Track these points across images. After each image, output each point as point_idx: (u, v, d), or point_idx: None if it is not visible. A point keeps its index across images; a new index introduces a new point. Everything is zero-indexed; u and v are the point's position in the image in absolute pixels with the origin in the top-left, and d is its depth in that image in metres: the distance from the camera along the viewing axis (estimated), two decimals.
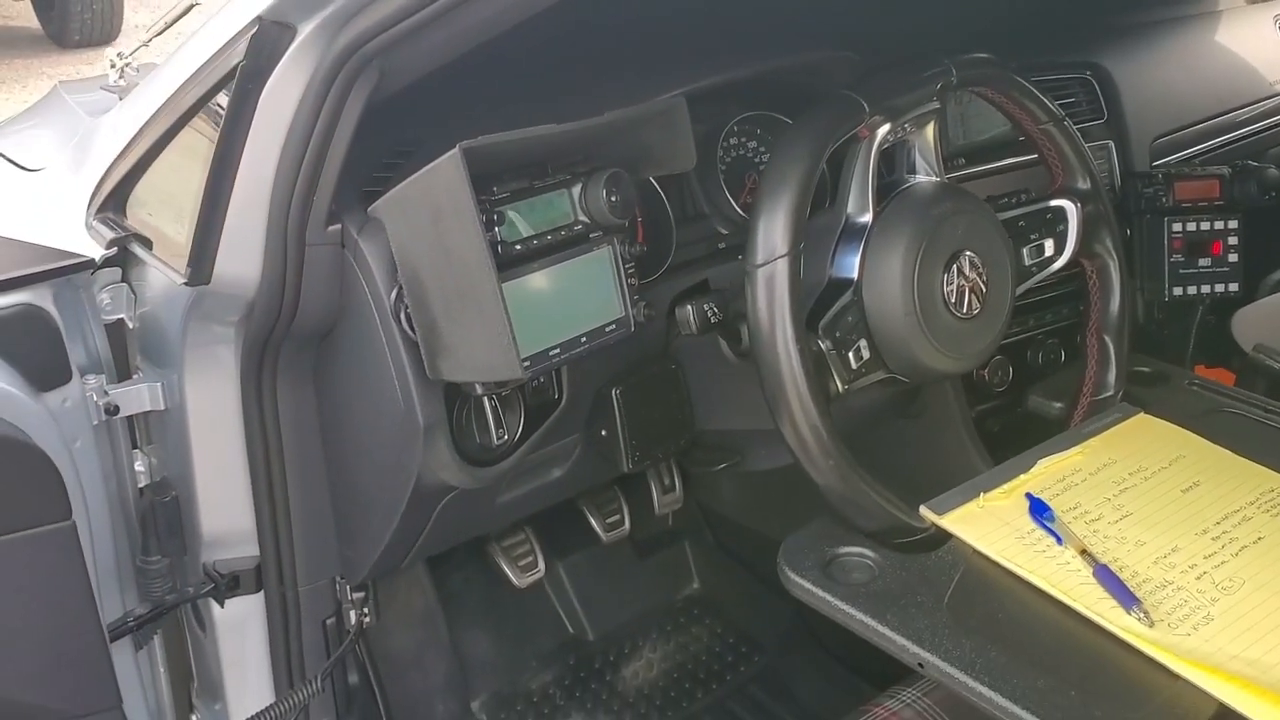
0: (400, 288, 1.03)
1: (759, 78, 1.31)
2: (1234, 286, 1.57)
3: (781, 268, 0.97)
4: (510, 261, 1.02)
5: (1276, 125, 1.83)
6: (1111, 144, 1.60)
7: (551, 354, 1.05)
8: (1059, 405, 1.28)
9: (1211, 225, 1.57)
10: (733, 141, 1.38)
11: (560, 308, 1.07)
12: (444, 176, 0.94)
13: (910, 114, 1.08)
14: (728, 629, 1.86)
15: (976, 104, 1.48)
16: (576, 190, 1.08)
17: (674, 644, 1.83)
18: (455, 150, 0.92)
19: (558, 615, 1.78)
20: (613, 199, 1.08)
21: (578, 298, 1.09)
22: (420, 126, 1.13)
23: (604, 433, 1.23)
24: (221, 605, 1.25)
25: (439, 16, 0.94)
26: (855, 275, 1.07)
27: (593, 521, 1.77)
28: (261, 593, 1.26)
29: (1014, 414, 1.55)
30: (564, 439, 1.25)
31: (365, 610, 1.32)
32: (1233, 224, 1.57)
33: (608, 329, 1.11)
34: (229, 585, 1.24)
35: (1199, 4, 1.80)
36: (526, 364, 1.01)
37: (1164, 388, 1.25)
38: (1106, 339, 1.22)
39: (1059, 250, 1.20)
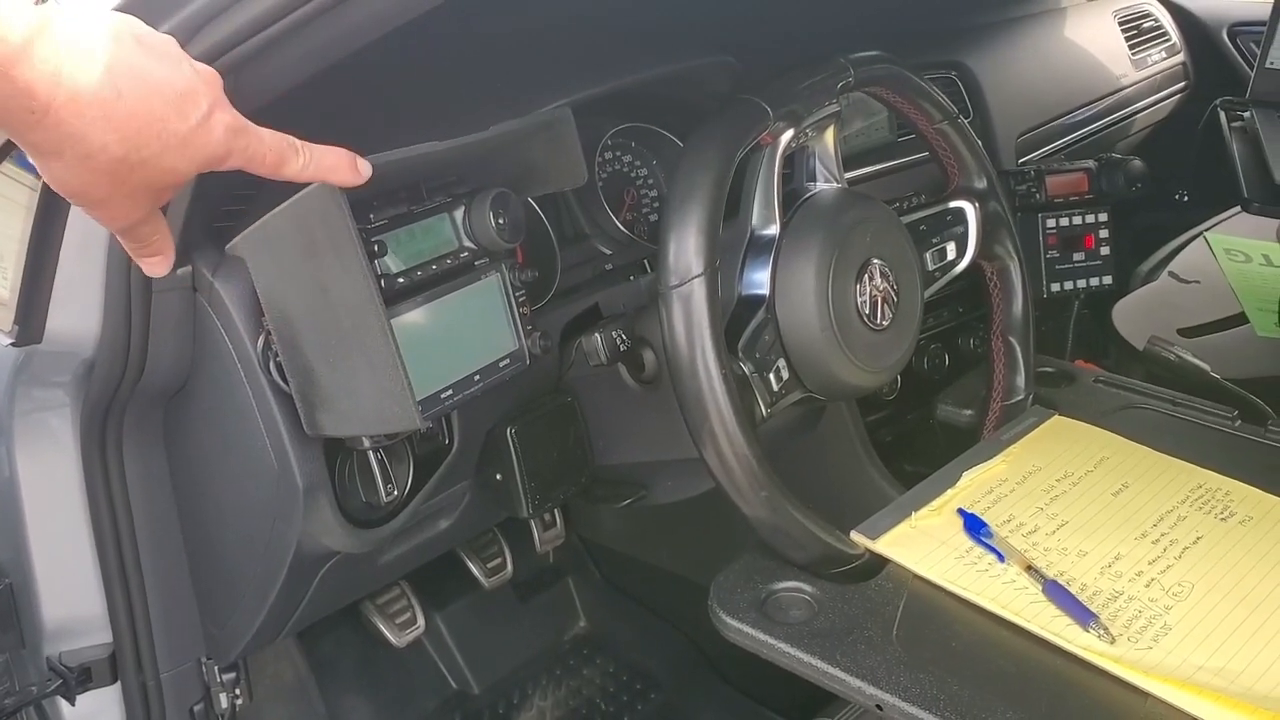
0: (268, 333, 0.90)
1: (637, 88, 1.23)
2: (1108, 279, 1.58)
3: (699, 288, 0.89)
4: (394, 297, 0.91)
5: (1127, 118, 1.86)
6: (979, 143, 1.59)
7: (444, 396, 0.95)
8: (969, 413, 1.25)
9: (1083, 219, 1.57)
10: (608, 156, 1.30)
11: (450, 345, 0.97)
12: (317, 205, 0.82)
13: (812, 118, 1.02)
14: (620, 667, 1.77)
15: (850, 107, 1.45)
16: (459, 214, 0.98)
17: (565, 689, 1.74)
18: None
19: (440, 672, 1.66)
20: (500, 222, 0.99)
21: (467, 332, 0.99)
22: None
23: (499, 476, 1.13)
24: (72, 703, 1.09)
25: (291, 31, 0.83)
26: (767, 291, 1.00)
27: (473, 568, 1.66)
28: (118, 684, 1.11)
29: (905, 423, 1.52)
30: (453, 487, 1.15)
31: (237, 691, 1.19)
32: (1103, 217, 1.57)
33: (502, 364, 1.01)
34: (80, 679, 1.08)
35: (1044, 1, 1.81)
36: (420, 410, 0.90)
37: (1071, 387, 1.22)
38: (1012, 341, 1.19)
39: (960, 253, 1.16)
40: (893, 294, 1.05)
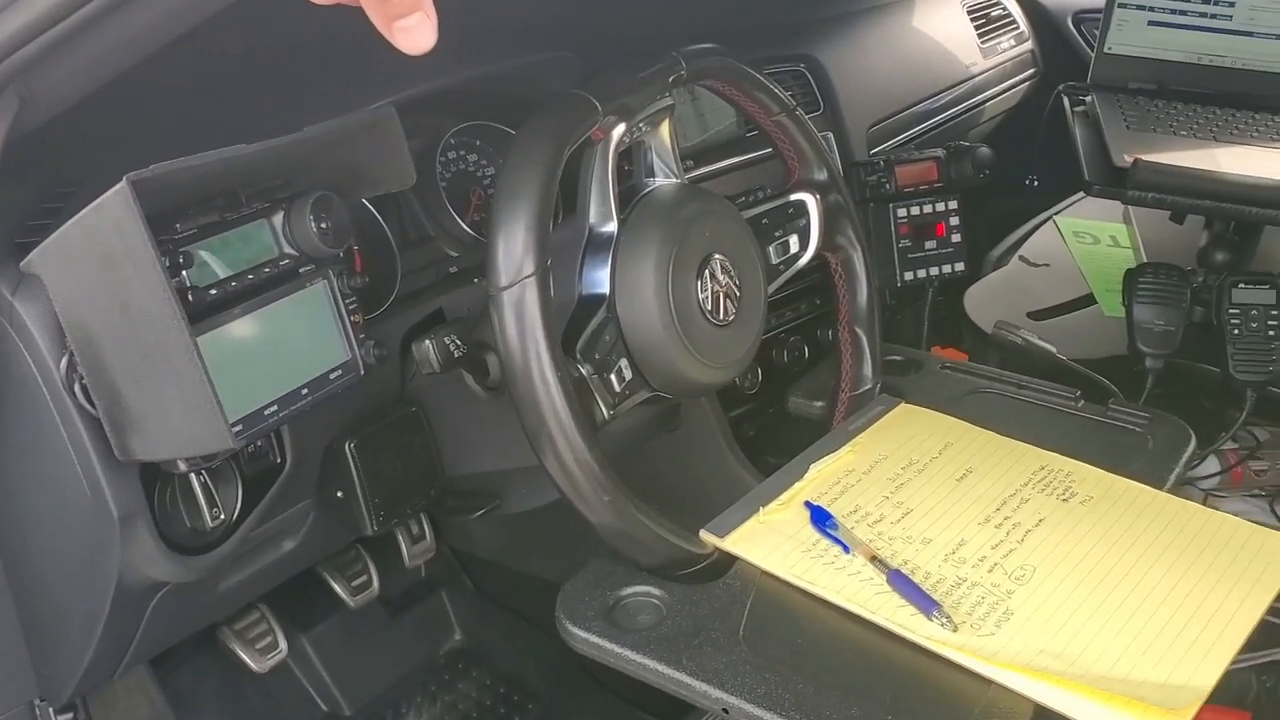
0: (71, 354, 0.85)
1: (472, 85, 1.20)
2: (960, 266, 1.59)
3: (530, 289, 0.87)
4: (205, 310, 0.86)
5: (976, 106, 1.89)
6: (831, 135, 1.59)
7: (268, 413, 0.90)
8: (820, 404, 1.24)
9: (933, 208, 1.58)
10: (451, 155, 1.26)
11: (273, 357, 0.92)
12: (111, 216, 0.77)
13: (644, 112, 1.00)
14: (497, 678, 1.74)
15: (698, 103, 1.44)
16: (278, 220, 0.94)
17: (441, 704, 1.70)
18: (122, 184, 0.76)
19: (308, 695, 1.60)
20: (322, 226, 0.94)
21: (293, 343, 0.94)
22: (84, 160, 0.95)
23: (340, 494, 1.09)
24: None
25: (84, 29, 0.78)
26: (607, 290, 0.98)
27: (336, 587, 1.61)
28: None
29: (768, 416, 1.51)
30: (293, 506, 1.10)
31: None
32: (952, 204, 1.59)
33: (333, 376, 0.97)
34: None
35: None
36: (238, 429, 0.86)
37: (918, 374, 1.23)
38: (858, 331, 1.19)
39: (803, 245, 1.15)
40: (735, 289, 1.04)
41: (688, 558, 0.93)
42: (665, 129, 1.05)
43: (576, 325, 0.96)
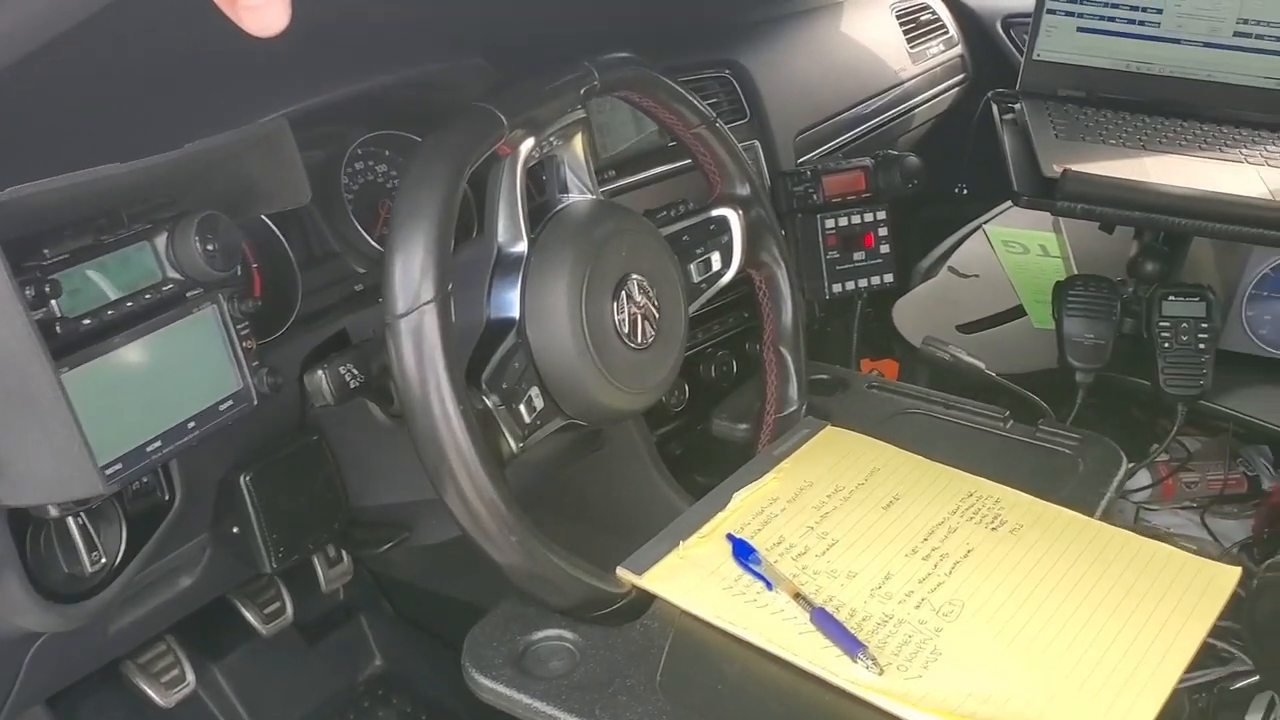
0: None
1: (379, 92, 1.14)
2: (889, 277, 1.56)
3: (430, 316, 0.81)
4: (78, 341, 0.80)
5: (907, 112, 1.86)
6: (757, 144, 1.55)
7: (150, 450, 0.84)
8: (744, 427, 1.20)
9: (861, 218, 1.55)
10: (359, 166, 1.20)
11: (156, 389, 0.86)
12: None
13: (555, 125, 0.95)
14: (419, 705, 1.67)
15: (618, 112, 1.39)
16: (161, 242, 0.87)
17: None
18: None
19: None
20: (209, 248, 0.88)
21: (178, 374, 0.88)
22: None
23: (236, 529, 1.02)
24: None
25: None
26: (516, 314, 0.92)
27: (248, 615, 1.53)
28: None
29: (695, 434, 1.47)
30: (186, 544, 1.04)
31: None
32: (881, 215, 1.56)
33: (223, 407, 0.91)
34: None
35: None
36: (116, 468, 0.80)
37: (845, 394, 1.19)
38: (783, 351, 1.14)
39: (726, 263, 1.11)
40: (654, 310, 0.99)
41: (603, 598, 0.89)
42: (578, 143, 1.00)
43: (483, 352, 0.90)
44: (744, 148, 1.53)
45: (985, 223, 1.75)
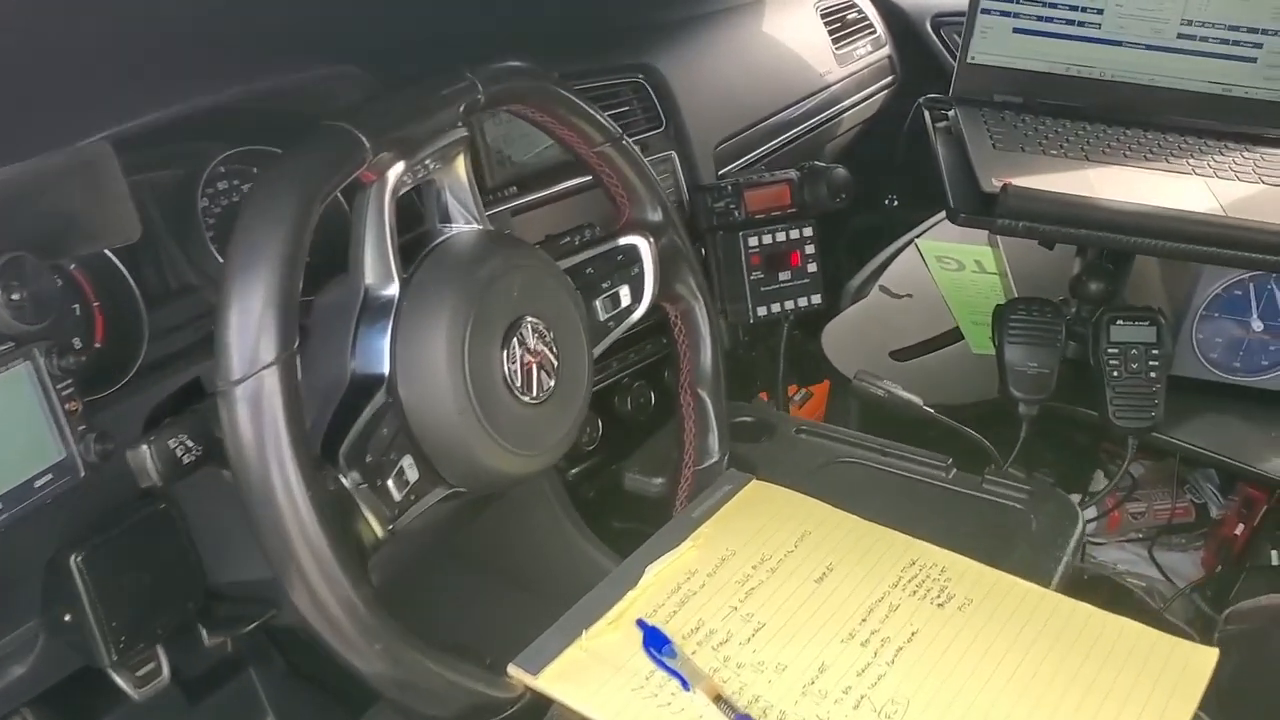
0: None
1: (240, 104, 0.99)
2: (816, 299, 1.45)
3: (270, 381, 0.67)
4: None
5: (834, 118, 1.75)
6: (674, 155, 1.43)
7: None
8: (659, 481, 1.08)
9: (787, 235, 1.43)
10: (221, 187, 1.05)
11: None
12: None
13: (430, 147, 0.81)
14: None
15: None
16: None
17: None
18: None
19: None
20: (14, 297, 0.74)
21: None
22: None
23: (68, 617, 0.87)
24: None
25: None
26: (386, 368, 0.79)
27: (117, 679, 1.38)
28: None
29: (610, 474, 1.34)
30: (15, 630, 0.89)
31: None
32: (807, 231, 1.44)
33: (40, 483, 0.77)
34: None
35: None
36: None
37: (772, 441, 1.07)
38: (702, 394, 1.02)
39: (637, 297, 0.98)
40: (551, 357, 0.86)
41: (492, 704, 0.75)
42: (460, 165, 0.86)
43: (345, 417, 0.76)
44: (660, 159, 1.42)
45: (917, 236, 1.64)
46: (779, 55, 1.67)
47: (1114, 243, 1.23)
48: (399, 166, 0.79)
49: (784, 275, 1.44)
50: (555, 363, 0.86)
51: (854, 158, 1.66)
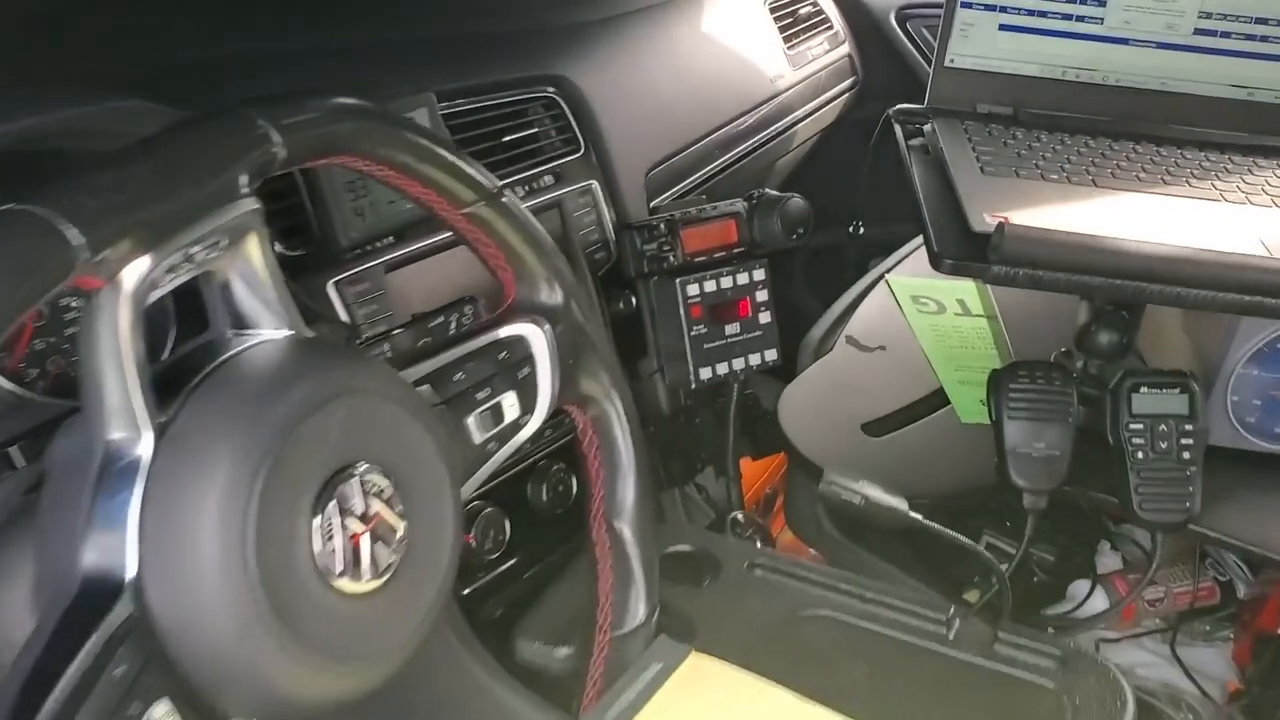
0: None
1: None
2: (771, 354, 1.20)
3: None
4: None
5: (787, 129, 1.50)
6: (595, 185, 1.17)
7: None
8: (564, 652, 0.82)
9: (734, 280, 1.18)
10: None
11: None
12: None
13: (193, 231, 0.55)
14: None
15: None
16: None
17: None
18: None
19: None
20: None
21: None
22: None
23: None
24: None
25: None
26: (130, 568, 0.52)
27: None
28: None
29: (521, 585, 1.08)
30: None
31: None
32: (758, 274, 1.20)
33: None
34: None
35: None
36: None
37: (717, 583, 0.82)
38: (622, 531, 0.76)
39: (528, 407, 0.72)
40: (392, 520, 0.60)
41: None
42: (254, 248, 0.60)
43: (64, 647, 0.50)
44: (579, 191, 1.16)
45: (889, 271, 1.39)
46: (721, 59, 1.41)
47: (1139, 294, 0.99)
48: (142, 263, 0.52)
49: (732, 328, 1.19)
50: (398, 528, 0.60)
51: (812, 175, 1.41)
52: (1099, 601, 1.22)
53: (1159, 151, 1.19)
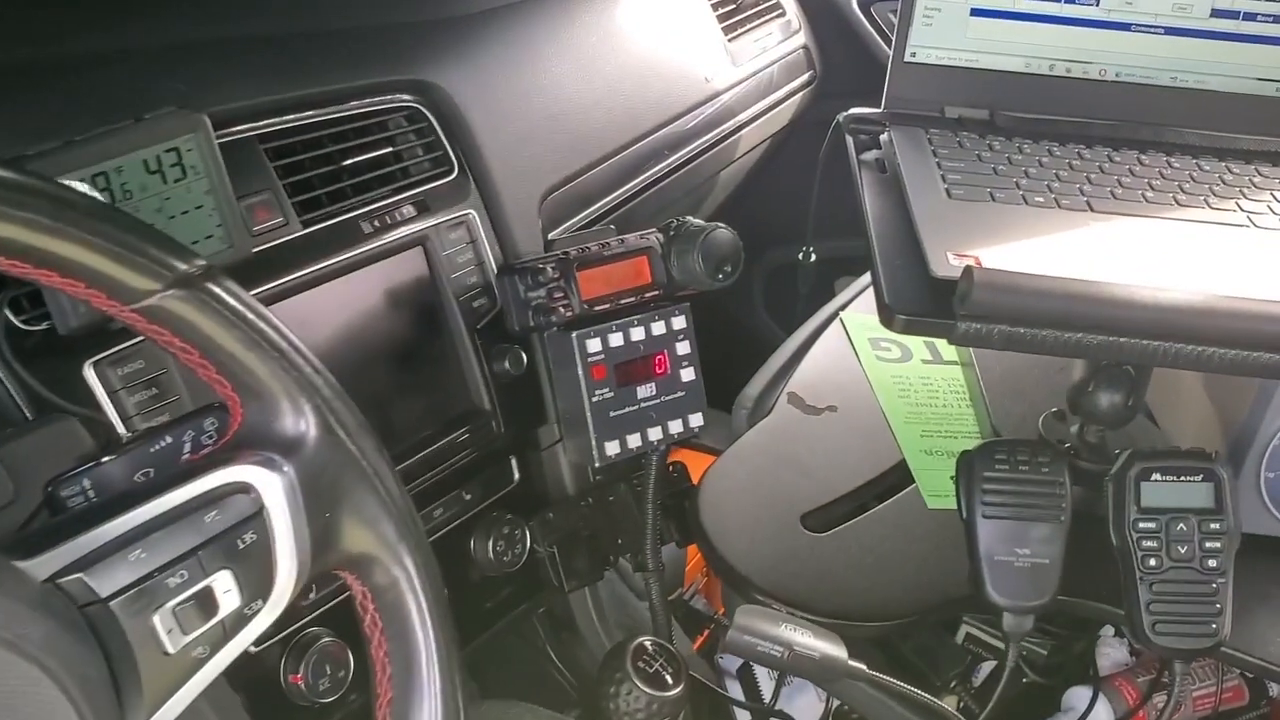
0: None
1: None
2: (696, 420, 0.98)
3: None
4: None
5: (724, 139, 1.27)
6: (473, 215, 0.95)
7: None
8: None
9: (647, 330, 0.96)
10: None
11: None
12: None
13: None
14: None
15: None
16: None
17: None
18: None
19: None
20: None
21: None
22: None
23: None
24: None
25: None
26: None
27: None
28: None
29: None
30: None
31: None
32: (678, 322, 0.97)
33: None
34: None
35: None
36: None
37: None
38: None
39: (259, 591, 0.49)
40: None
41: None
42: None
43: None
44: (453, 222, 0.94)
45: (842, 307, 1.16)
46: (640, 56, 1.18)
47: (1149, 355, 0.76)
48: None
49: (645, 390, 0.97)
50: None
51: (764, 186, 1.17)
52: (1102, 713, 1.00)
53: (1169, 163, 0.97)
